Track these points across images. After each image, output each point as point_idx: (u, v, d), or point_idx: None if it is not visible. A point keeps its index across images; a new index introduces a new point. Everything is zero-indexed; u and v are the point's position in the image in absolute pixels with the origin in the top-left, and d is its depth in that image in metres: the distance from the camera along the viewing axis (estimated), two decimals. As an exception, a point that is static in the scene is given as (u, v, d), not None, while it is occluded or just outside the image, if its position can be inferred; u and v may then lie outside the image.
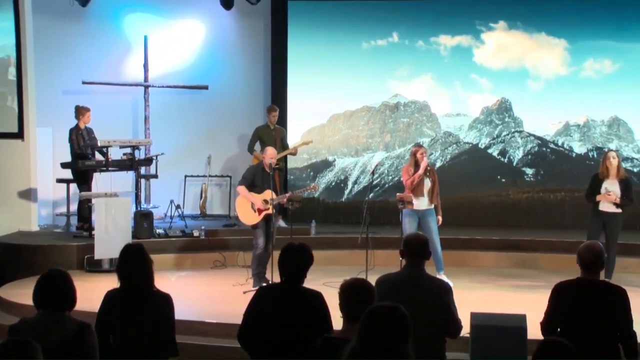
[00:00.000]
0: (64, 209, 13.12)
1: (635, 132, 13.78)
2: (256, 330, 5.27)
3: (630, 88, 13.65)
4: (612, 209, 9.93)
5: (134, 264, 5.31)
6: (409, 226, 10.23)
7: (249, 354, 5.39)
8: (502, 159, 14.18)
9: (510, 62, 13.98)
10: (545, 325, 5.76)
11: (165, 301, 5.33)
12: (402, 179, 10.51)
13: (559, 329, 5.66)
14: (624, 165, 13.34)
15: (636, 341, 5.57)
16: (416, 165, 10.28)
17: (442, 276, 9.89)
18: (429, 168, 10.39)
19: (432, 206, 10.36)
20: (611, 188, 9.91)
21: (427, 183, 10.30)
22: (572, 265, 10.08)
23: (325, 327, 5.14)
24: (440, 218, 10.43)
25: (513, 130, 14.13)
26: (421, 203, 10.31)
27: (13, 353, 3.76)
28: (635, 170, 13.72)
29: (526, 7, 13.77)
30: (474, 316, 7.94)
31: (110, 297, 5.36)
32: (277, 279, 9.81)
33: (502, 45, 13.96)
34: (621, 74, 13.65)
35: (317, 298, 5.28)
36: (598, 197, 9.93)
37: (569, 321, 5.57)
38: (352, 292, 4.54)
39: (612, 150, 11.14)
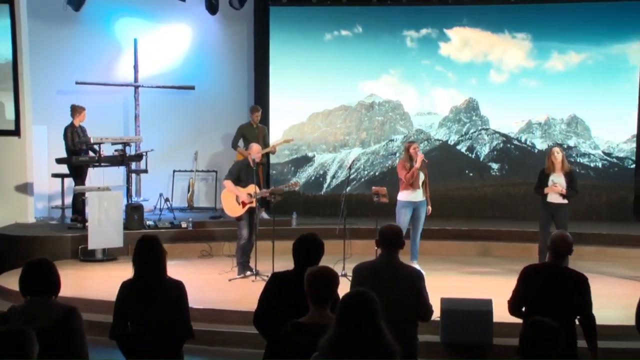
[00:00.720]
0: (59, 202, 13.08)
1: (592, 130, 13.89)
2: (271, 315, 5.26)
3: (587, 88, 13.76)
4: (559, 200, 10.02)
5: (148, 254, 5.29)
6: (404, 217, 10.30)
7: (264, 337, 5.31)
8: (470, 155, 14.26)
9: (477, 62, 14.05)
10: (512, 304, 5.84)
11: (178, 287, 5.31)
12: (398, 174, 10.49)
13: (523, 308, 5.75)
14: (582, 160, 13.58)
15: (594, 323, 5.66)
16: (410, 159, 10.31)
17: (415, 264, 9.94)
18: (426, 161, 10.44)
19: (424, 199, 10.42)
20: (557, 180, 10.02)
21: (422, 176, 10.36)
22: (533, 252, 10.35)
23: None
24: (430, 208, 10.51)
25: (480, 128, 14.20)
26: (417, 195, 10.35)
27: (8, 342, 3.74)
28: (592, 165, 13.85)
29: (489, 9, 13.91)
30: (444, 301, 8.04)
31: (125, 286, 5.32)
32: (260, 267, 9.90)
33: (470, 46, 14.04)
34: (579, 75, 13.75)
35: None
36: (546, 190, 10.03)
37: (534, 301, 5.64)
38: (318, 279, 4.54)
39: (556, 146, 11.34)
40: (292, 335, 4.35)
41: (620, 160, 13.84)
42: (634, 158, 13.71)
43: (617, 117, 13.74)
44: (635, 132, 13.65)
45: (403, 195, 10.36)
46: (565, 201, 10.04)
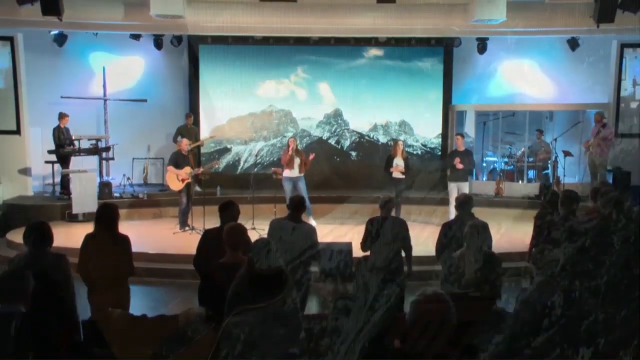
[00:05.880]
0: (50, 181, 12.55)
1: (414, 129, 14.25)
2: (205, 259, 5.09)
3: (413, 101, 14.09)
4: (399, 176, 10.69)
5: (106, 215, 5.14)
6: (287, 188, 10.61)
7: (200, 275, 5.11)
8: (337, 146, 14.40)
9: (343, 84, 14.17)
10: (363, 243, 5.98)
11: (124, 239, 5.19)
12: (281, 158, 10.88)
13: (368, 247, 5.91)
14: (408, 150, 14.02)
15: (411, 251, 5.85)
16: (289, 148, 10.71)
17: (311, 219, 10.20)
18: (297, 151, 10.79)
19: (302, 175, 10.71)
20: (399, 163, 10.68)
21: (297, 160, 10.64)
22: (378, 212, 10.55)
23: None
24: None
25: (343, 128, 14.36)
26: (293, 172, 10.67)
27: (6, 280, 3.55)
28: (415, 153, 14.24)
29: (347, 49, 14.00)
30: (322, 244, 8.15)
31: (88, 237, 5.18)
32: (195, 224, 9.76)
33: (338, 73, 14.16)
34: (409, 93, 14.05)
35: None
36: (391, 169, 10.65)
37: (376, 239, 5.83)
38: (233, 231, 4.53)
39: (399, 140, 11.82)
40: (216, 271, 4.33)
41: (432, 149, 14.30)
42: (440, 148, 14.21)
43: (430, 122, 14.17)
44: (440, 131, 14.14)
45: (284, 173, 10.76)
46: (403, 176, 10.71)
